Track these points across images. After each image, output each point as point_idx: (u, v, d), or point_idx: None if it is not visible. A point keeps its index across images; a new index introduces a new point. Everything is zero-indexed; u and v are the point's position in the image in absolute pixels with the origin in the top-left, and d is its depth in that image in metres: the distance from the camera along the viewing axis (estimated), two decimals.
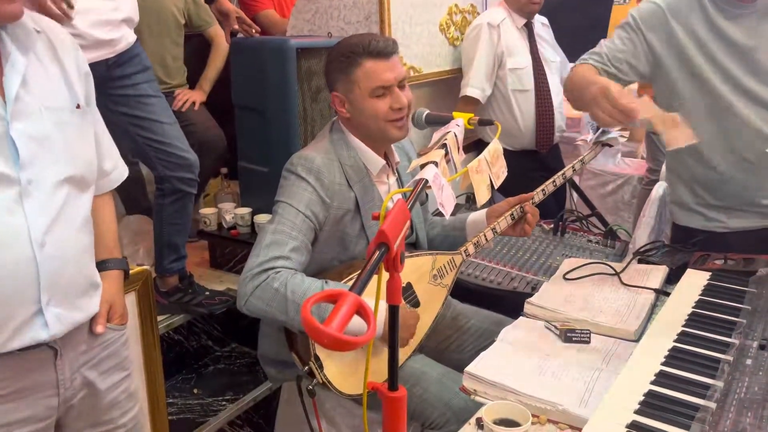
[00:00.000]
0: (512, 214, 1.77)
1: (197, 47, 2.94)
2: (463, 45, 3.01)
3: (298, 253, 1.53)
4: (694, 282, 1.63)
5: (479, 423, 1.19)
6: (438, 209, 1.30)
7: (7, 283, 1.11)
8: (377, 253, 0.87)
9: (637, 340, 1.42)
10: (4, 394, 1.16)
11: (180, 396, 2.30)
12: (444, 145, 1.37)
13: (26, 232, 1.12)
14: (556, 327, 1.49)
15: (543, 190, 1.85)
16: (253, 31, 2.62)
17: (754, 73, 1.72)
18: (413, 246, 1.83)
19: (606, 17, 3.45)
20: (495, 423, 1.13)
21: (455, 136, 1.44)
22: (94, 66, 1.76)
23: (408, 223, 0.96)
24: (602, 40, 1.83)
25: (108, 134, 1.42)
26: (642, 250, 1.93)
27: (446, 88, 3.05)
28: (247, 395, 2.32)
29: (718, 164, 1.79)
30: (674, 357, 1.28)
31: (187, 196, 2.13)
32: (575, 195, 2.91)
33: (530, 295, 1.68)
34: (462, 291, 1.92)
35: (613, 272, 1.75)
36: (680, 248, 1.88)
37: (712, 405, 1.12)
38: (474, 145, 3.08)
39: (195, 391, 2.34)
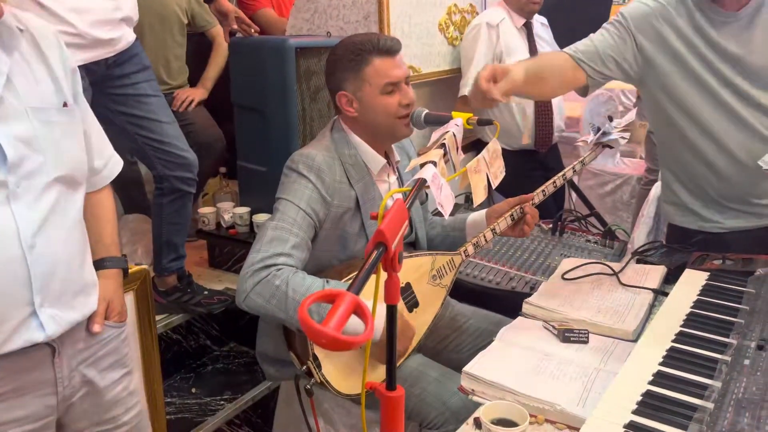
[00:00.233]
0: (512, 215, 1.76)
1: (198, 47, 2.94)
2: (462, 45, 3.01)
3: (299, 250, 1.52)
4: (692, 282, 1.63)
5: (477, 423, 1.19)
6: (437, 209, 1.30)
7: None
8: (375, 252, 0.87)
9: (635, 340, 1.42)
10: (1, 393, 1.15)
11: (178, 395, 2.30)
12: (443, 145, 1.37)
13: (15, 234, 1.11)
14: (554, 327, 1.49)
15: (543, 191, 1.85)
16: (252, 30, 2.62)
17: (745, 76, 1.72)
18: (412, 245, 1.83)
19: (605, 17, 3.43)
20: (493, 423, 1.13)
21: (454, 135, 1.44)
22: (93, 65, 1.78)
23: (406, 223, 0.96)
24: (591, 35, 1.83)
25: (98, 128, 1.40)
26: (640, 250, 1.93)
27: (445, 88, 3.05)
28: (246, 395, 2.32)
29: (713, 164, 1.79)
30: (672, 357, 1.28)
31: (186, 196, 2.13)
32: (574, 195, 2.90)
33: (529, 295, 1.68)
34: (460, 291, 1.92)
35: (612, 272, 1.75)
36: (679, 248, 1.88)
37: (710, 405, 1.12)
38: (473, 145, 3.08)
39: (193, 390, 2.34)
